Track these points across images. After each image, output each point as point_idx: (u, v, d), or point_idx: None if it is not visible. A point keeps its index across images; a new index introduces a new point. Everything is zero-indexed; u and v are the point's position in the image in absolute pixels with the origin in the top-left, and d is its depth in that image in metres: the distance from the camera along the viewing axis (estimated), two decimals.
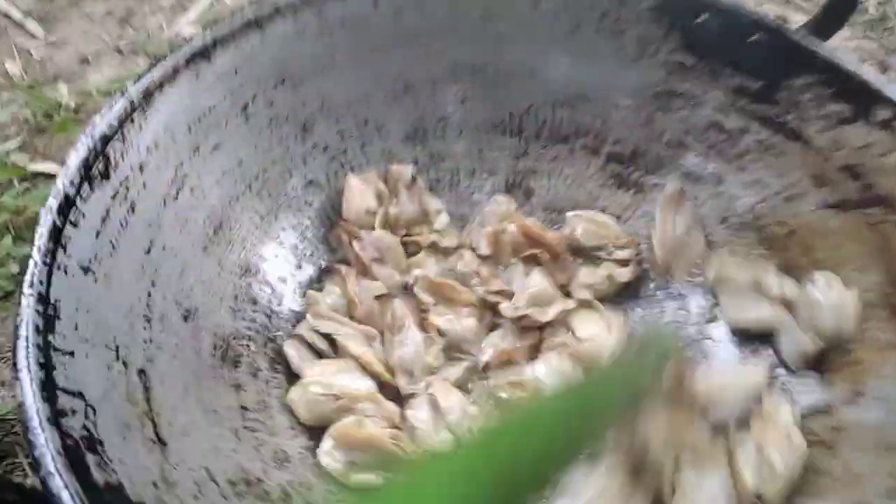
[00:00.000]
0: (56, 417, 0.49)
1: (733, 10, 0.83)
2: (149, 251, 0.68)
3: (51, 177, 1.68)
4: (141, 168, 0.69)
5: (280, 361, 0.77)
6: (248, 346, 0.75)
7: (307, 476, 0.68)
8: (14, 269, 1.47)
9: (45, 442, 0.46)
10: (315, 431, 0.73)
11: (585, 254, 0.90)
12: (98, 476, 0.49)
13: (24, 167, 1.66)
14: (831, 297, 0.74)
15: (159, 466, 0.56)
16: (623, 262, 0.88)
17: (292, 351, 0.77)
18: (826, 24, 0.81)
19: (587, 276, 0.88)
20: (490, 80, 0.92)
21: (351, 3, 0.81)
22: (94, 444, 0.51)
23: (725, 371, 0.77)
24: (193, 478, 0.58)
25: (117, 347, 0.60)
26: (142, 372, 0.62)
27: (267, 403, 0.73)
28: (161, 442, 0.58)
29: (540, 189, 0.95)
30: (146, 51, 2.13)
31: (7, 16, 2.21)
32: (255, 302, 0.79)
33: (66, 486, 0.45)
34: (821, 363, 0.75)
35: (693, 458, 0.66)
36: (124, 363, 0.60)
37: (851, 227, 0.77)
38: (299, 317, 0.81)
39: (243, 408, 0.70)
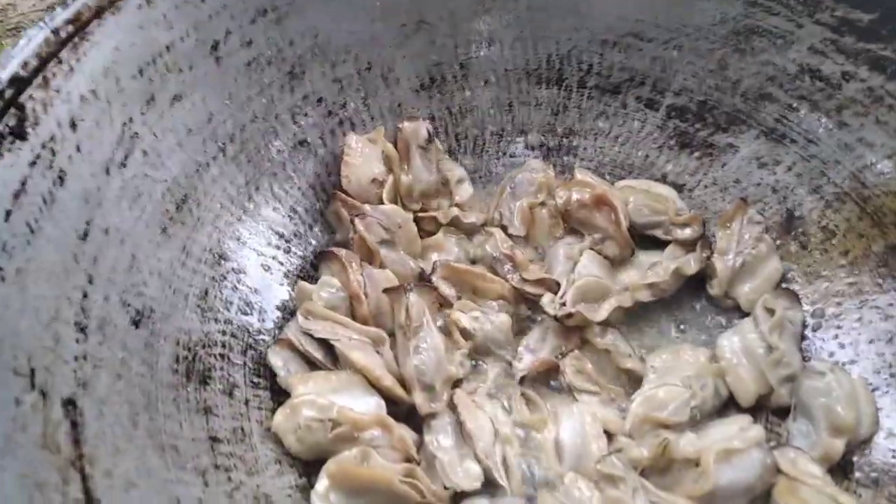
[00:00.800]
0: None
1: None
2: (85, 236, 0.52)
3: None
4: (73, 124, 0.52)
5: (263, 374, 0.61)
6: (221, 355, 0.59)
7: None
8: None
9: None
10: (308, 466, 0.57)
11: (637, 233, 0.73)
12: None
13: None
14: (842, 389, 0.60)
15: None
16: (687, 245, 0.71)
17: (278, 361, 0.61)
18: None
19: (646, 271, 0.71)
20: (524, 14, 0.75)
21: None
22: None
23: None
24: None
25: (32, 371, 0.44)
26: (69, 403, 0.45)
27: (245, 431, 0.56)
28: (91, 501, 0.42)
29: (583, 152, 0.79)
30: None
31: None
32: (230, 298, 0.62)
33: None
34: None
35: None
36: (42, 393, 0.44)
37: None
38: (288, 316, 0.65)
39: (214, 439, 0.54)
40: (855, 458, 0.59)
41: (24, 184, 0.48)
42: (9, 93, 0.48)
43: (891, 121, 0.66)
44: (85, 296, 0.50)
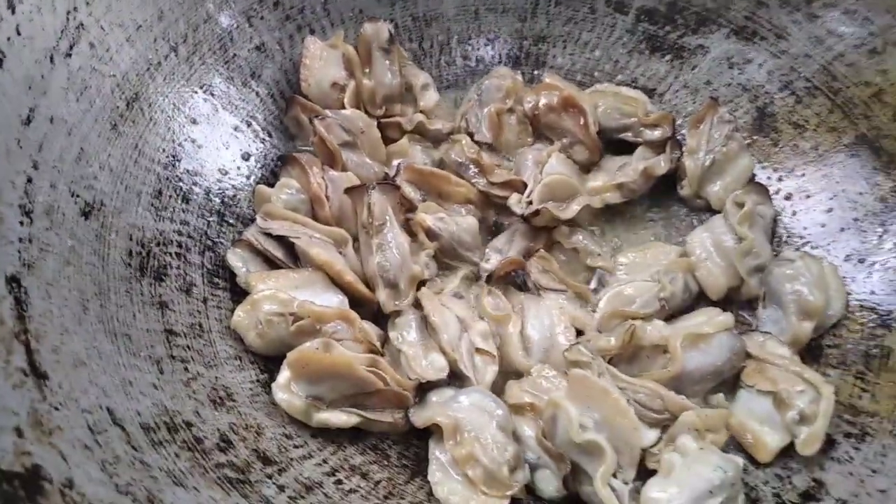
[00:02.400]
0: None
1: None
2: (28, 121, 0.50)
3: None
4: (10, 5, 0.50)
5: (222, 276, 0.60)
6: (178, 254, 0.57)
7: (257, 417, 0.51)
8: None
9: None
10: (269, 363, 0.56)
11: (609, 135, 0.72)
12: None
13: None
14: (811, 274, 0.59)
15: (30, 406, 0.39)
16: (656, 145, 0.70)
17: (238, 261, 0.59)
18: None
19: (615, 172, 0.69)
20: None
21: None
22: None
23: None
24: (87, 422, 0.41)
25: None
26: (13, 280, 0.44)
27: (204, 328, 0.55)
28: (38, 374, 0.41)
29: (552, 59, 0.77)
30: None
31: None
32: (186, 199, 0.60)
33: None
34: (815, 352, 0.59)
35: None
36: None
37: None
38: (248, 222, 0.63)
39: (170, 332, 0.53)
40: (825, 342, 0.59)
41: None
42: None
43: (859, 9, 0.65)
44: (29, 181, 0.48)
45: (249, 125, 0.67)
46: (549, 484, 0.52)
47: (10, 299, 0.43)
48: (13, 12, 0.50)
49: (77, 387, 0.43)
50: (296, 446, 0.51)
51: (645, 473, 0.51)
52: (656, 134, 0.70)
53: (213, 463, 0.46)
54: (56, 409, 0.40)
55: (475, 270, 0.65)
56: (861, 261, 0.61)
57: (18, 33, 0.50)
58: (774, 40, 0.70)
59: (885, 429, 0.51)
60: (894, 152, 0.62)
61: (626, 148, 0.71)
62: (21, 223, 0.47)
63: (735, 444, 0.54)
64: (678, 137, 0.70)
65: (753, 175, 0.68)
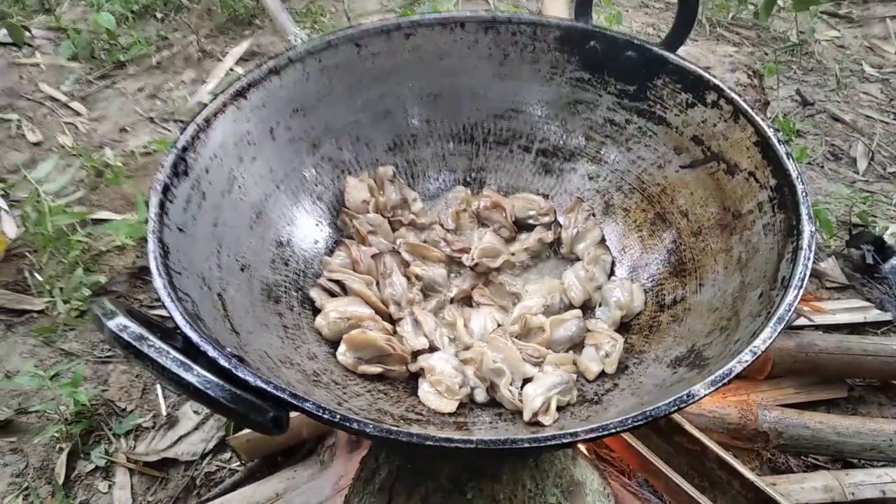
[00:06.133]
0: (178, 298, 0.81)
1: (611, 35, 1.18)
2: (216, 225, 1.01)
3: (106, 221, 2.04)
4: (207, 170, 1.02)
5: (307, 303, 1.10)
6: (285, 290, 1.08)
7: (329, 366, 1.00)
8: (86, 292, 1.81)
9: (173, 308, 0.79)
10: (334, 345, 1.05)
11: (521, 222, 1.23)
12: (205, 331, 0.81)
13: (85, 214, 2.03)
14: (625, 288, 1.09)
15: (237, 342, 0.88)
16: (546, 226, 1.21)
17: (315, 295, 1.10)
18: (673, 41, 1.16)
19: (524, 242, 1.21)
20: (446, 103, 1.27)
21: (341, 52, 1.16)
22: (199, 318, 0.83)
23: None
24: (258, 353, 0.90)
25: (203, 278, 0.93)
26: (219, 295, 0.94)
27: (300, 326, 1.05)
28: (236, 332, 0.90)
29: (489, 180, 1.29)
30: (175, 118, 2.53)
31: (54, 98, 2.62)
32: (287, 264, 1.12)
33: (190, 327, 0.77)
34: (626, 327, 1.09)
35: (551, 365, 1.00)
36: (209, 287, 0.93)
37: (698, 179, 1.10)
38: (318, 275, 1.14)
39: (285, 327, 1.02)
40: (632, 322, 1.07)
41: (189, 197, 0.98)
42: (181, 154, 0.99)
43: (653, 144, 1.17)
44: (218, 253, 1.00)
45: (318, 225, 1.19)
46: (480, 394, 0.99)
47: (220, 302, 0.93)
48: (208, 173, 1.03)
49: (250, 341, 0.92)
50: (350, 381, 0.99)
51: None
52: (546, 219, 1.21)
53: (312, 381, 0.94)
54: (246, 346, 0.89)
55: (442, 299, 1.14)
56: (656, 282, 1.10)
57: (210, 183, 1.03)
58: (612, 163, 1.22)
59: (651, 357, 0.99)
60: (672, 221, 1.13)
61: (530, 227, 1.23)
62: (217, 271, 0.98)
63: (578, 373, 1.02)
64: (559, 220, 1.21)
65: (603, 239, 1.19)
